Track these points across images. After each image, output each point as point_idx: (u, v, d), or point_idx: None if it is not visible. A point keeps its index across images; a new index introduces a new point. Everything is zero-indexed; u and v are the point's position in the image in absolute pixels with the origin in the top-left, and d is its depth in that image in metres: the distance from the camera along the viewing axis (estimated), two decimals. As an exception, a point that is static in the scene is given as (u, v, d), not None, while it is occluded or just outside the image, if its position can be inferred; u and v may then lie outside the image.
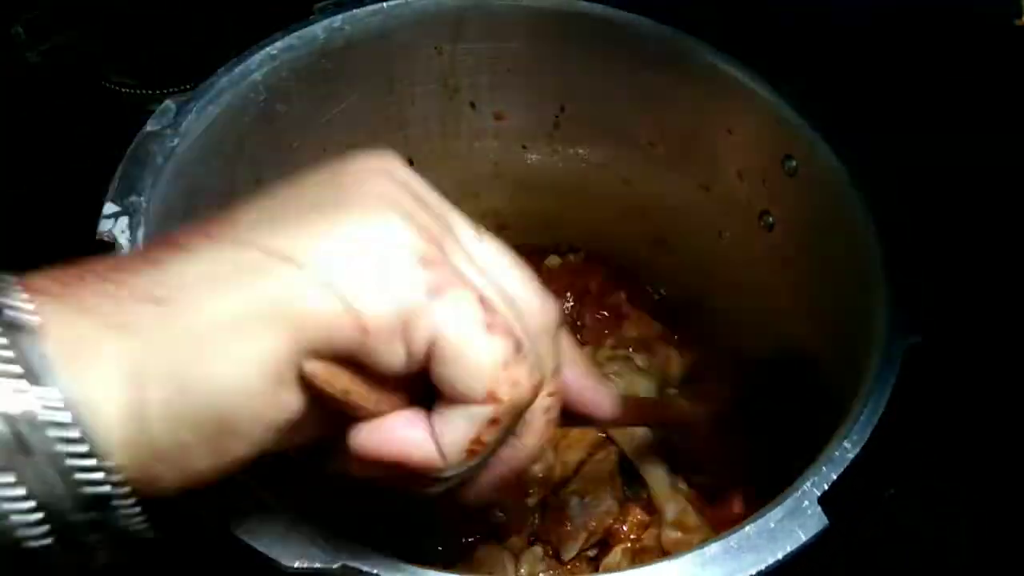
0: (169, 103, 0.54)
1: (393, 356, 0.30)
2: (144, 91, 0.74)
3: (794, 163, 0.58)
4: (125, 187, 0.49)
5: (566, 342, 0.38)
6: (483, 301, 0.31)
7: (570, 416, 0.40)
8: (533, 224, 0.76)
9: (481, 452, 0.32)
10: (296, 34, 0.59)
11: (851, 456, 0.43)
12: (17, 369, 0.26)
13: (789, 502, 0.41)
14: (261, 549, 0.37)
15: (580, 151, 0.70)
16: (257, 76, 0.57)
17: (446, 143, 0.70)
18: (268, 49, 0.58)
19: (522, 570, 0.55)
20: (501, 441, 0.33)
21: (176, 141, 0.52)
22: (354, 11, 0.60)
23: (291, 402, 0.30)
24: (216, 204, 0.57)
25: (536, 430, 0.35)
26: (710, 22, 0.60)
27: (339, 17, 0.60)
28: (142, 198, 0.49)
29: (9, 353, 0.26)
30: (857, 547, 0.59)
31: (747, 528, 0.40)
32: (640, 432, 0.61)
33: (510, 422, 0.33)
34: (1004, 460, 0.58)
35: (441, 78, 0.66)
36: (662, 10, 0.60)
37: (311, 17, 0.60)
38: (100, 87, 0.74)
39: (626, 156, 0.68)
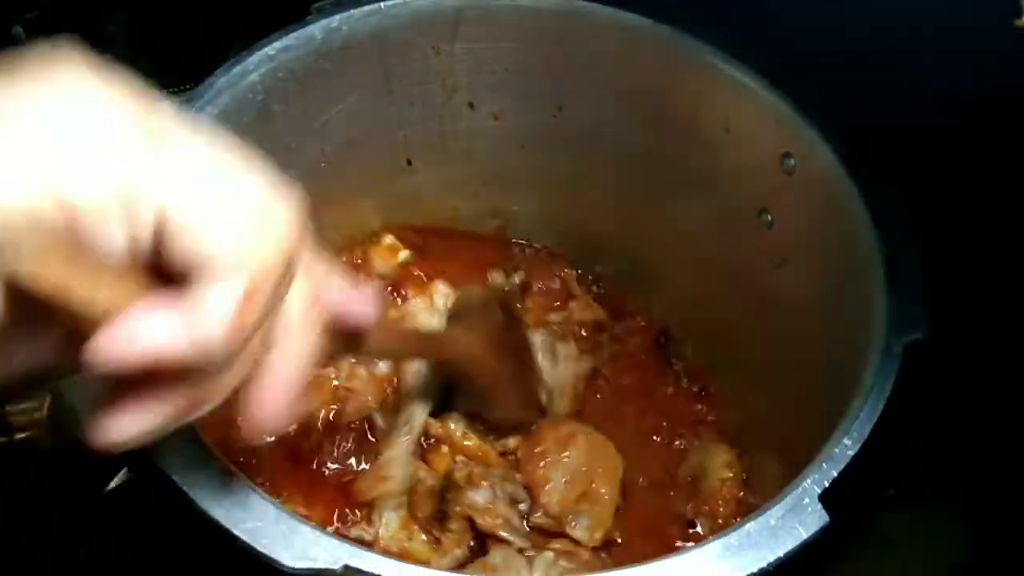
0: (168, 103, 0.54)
1: (113, 238, 0.27)
2: (144, 91, 0.74)
3: (792, 161, 0.58)
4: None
5: (321, 258, 0.37)
6: (210, 166, 0.29)
7: (339, 336, 0.40)
8: (531, 223, 0.76)
9: (244, 333, 0.29)
10: (294, 34, 0.59)
11: (851, 453, 0.43)
12: None
13: (790, 499, 0.41)
14: (263, 550, 0.38)
15: (578, 150, 0.70)
16: (255, 77, 0.57)
17: (444, 143, 0.70)
18: (266, 50, 0.58)
19: (535, 574, 0.55)
20: (260, 323, 0.30)
21: (175, 142, 0.52)
22: (352, 11, 0.60)
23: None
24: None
25: (301, 331, 0.34)
26: (709, 21, 0.60)
27: (336, 17, 0.60)
28: (141, 199, 0.49)
29: None
30: (857, 547, 0.59)
31: (748, 526, 0.40)
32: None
33: (267, 297, 0.30)
34: (1004, 460, 0.58)
35: (439, 78, 0.66)
36: (660, 9, 0.60)
37: (308, 17, 0.60)
38: (100, 87, 0.74)
39: (624, 155, 0.68)
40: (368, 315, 0.42)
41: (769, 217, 0.62)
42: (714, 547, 0.40)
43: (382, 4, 0.61)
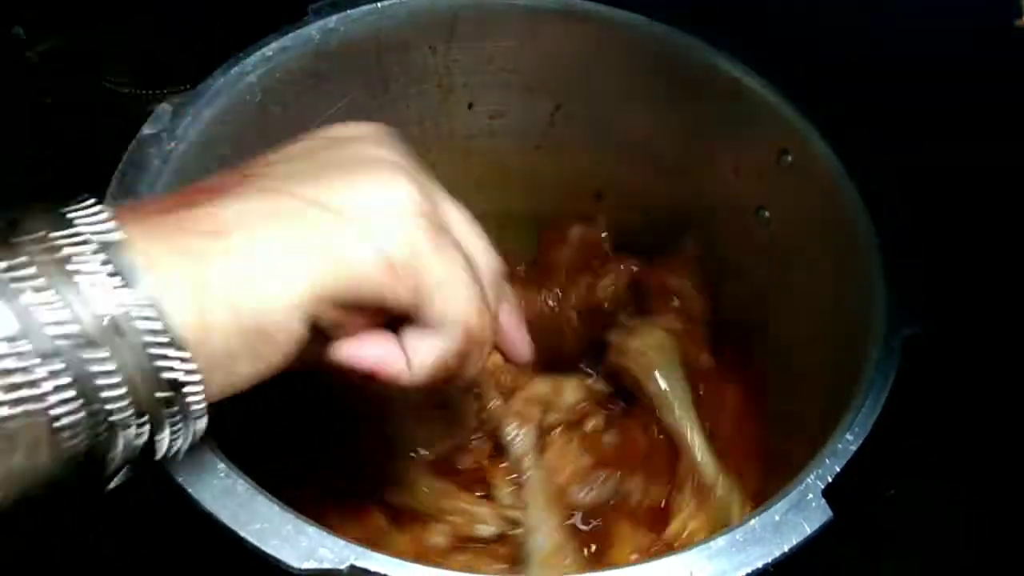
0: (165, 105, 0.54)
1: (400, 296, 0.36)
2: (144, 91, 0.74)
3: (790, 158, 0.58)
4: (123, 191, 0.49)
5: (508, 292, 0.46)
6: (459, 249, 0.38)
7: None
8: (528, 222, 0.76)
9: (444, 374, 0.39)
10: (291, 35, 0.59)
11: (854, 448, 0.43)
12: (112, 269, 0.30)
13: (793, 495, 0.41)
14: (269, 551, 0.38)
15: (575, 149, 0.70)
16: (252, 78, 0.57)
17: (441, 143, 0.70)
18: (263, 51, 0.58)
19: None
20: (461, 369, 0.40)
21: (172, 144, 0.52)
22: (348, 12, 0.60)
23: (303, 332, 0.35)
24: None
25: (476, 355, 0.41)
26: (705, 19, 0.60)
27: (333, 18, 0.60)
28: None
29: (107, 260, 0.30)
30: (857, 547, 0.60)
31: (752, 522, 0.40)
32: None
33: (472, 351, 0.39)
34: (1004, 459, 0.58)
35: (436, 78, 0.66)
36: (657, 7, 0.61)
37: (305, 18, 0.59)
38: (100, 87, 0.74)
39: (621, 153, 0.68)
40: (520, 356, 0.48)
41: (767, 214, 0.62)
42: (719, 543, 0.40)
43: (379, 4, 0.61)
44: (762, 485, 0.59)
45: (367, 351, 0.39)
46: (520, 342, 0.48)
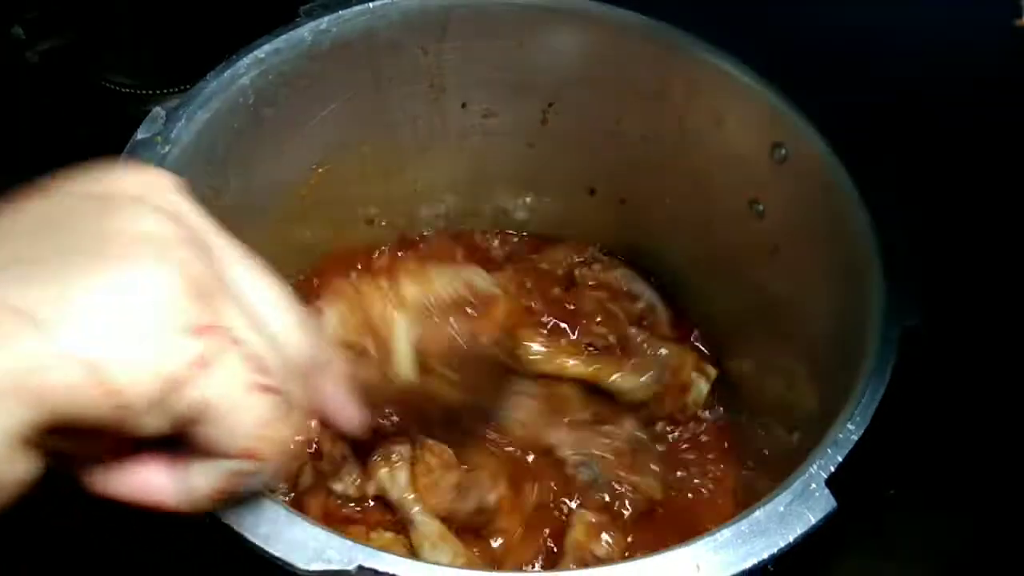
0: (158, 109, 0.53)
1: (149, 426, 0.29)
2: (144, 91, 0.74)
3: (783, 151, 0.58)
4: (119, 195, 0.49)
5: (328, 363, 0.40)
6: (249, 360, 0.31)
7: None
8: (524, 220, 0.76)
9: (224, 499, 0.34)
10: (283, 37, 0.59)
11: (855, 438, 0.44)
12: None
13: (797, 485, 0.42)
14: (278, 553, 0.37)
15: (568, 146, 0.70)
16: (245, 80, 0.57)
17: (434, 142, 0.70)
18: (255, 53, 0.58)
19: None
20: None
21: (167, 148, 0.52)
22: (340, 12, 0.60)
23: (30, 467, 0.28)
24: (208, 208, 0.57)
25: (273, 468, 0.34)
26: (697, 15, 0.60)
27: (325, 19, 0.60)
28: (136, 206, 0.49)
29: None
30: (857, 547, 0.60)
31: (757, 512, 0.41)
32: None
33: (267, 467, 0.33)
34: (1004, 460, 0.59)
35: (428, 77, 0.66)
36: (650, 4, 0.61)
37: (297, 19, 0.59)
38: (100, 87, 0.74)
39: (615, 149, 0.68)
40: (352, 429, 0.44)
41: (760, 207, 0.62)
42: (724, 534, 0.40)
43: (371, 5, 0.60)
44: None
45: (124, 483, 0.33)
46: (346, 414, 0.42)
